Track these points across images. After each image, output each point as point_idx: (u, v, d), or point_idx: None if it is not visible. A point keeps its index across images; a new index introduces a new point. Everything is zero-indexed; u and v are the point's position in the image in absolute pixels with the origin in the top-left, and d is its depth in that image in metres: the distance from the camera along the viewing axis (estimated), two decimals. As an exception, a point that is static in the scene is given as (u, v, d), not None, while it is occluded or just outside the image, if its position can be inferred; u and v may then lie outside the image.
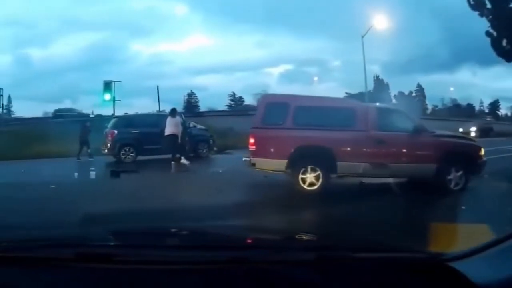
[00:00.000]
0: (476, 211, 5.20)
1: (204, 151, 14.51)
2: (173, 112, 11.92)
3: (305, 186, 7.15)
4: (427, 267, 1.10)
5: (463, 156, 7.37)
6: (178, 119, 11.72)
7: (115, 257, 1.13)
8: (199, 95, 54.65)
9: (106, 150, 13.27)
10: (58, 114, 32.13)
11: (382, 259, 1.19)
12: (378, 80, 52.11)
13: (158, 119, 13.86)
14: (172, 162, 11.16)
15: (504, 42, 15.59)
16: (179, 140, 11.44)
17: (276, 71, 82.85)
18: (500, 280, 0.92)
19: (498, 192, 7.10)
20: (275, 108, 7.58)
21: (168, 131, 11.30)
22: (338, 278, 1.07)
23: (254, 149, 7.45)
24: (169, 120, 11.51)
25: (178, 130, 11.42)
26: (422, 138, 7.39)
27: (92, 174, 11.15)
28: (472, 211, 5.23)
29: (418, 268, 1.11)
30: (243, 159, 7.88)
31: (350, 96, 30.86)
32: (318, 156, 7.26)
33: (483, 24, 15.74)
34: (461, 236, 3.92)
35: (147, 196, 7.01)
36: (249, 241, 1.49)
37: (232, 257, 1.12)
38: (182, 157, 11.49)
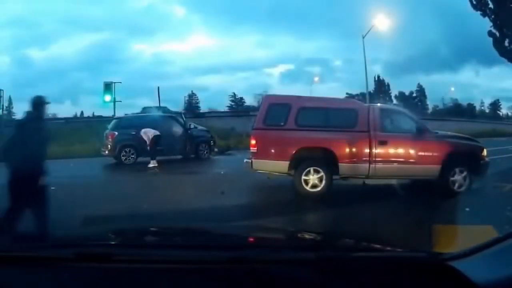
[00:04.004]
0: (480, 213, 5.17)
1: (205, 152, 14.52)
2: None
3: (308, 188, 7.11)
4: (427, 267, 1.10)
5: (466, 157, 7.35)
6: (147, 130, 12.44)
7: (115, 256, 1.13)
8: (200, 95, 54.68)
9: (106, 152, 13.29)
10: None
11: (382, 258, 1.18)
12: (379, 80, 52.12)
13: (159, 120, 13.89)
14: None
15: (506, 42, 15.56)
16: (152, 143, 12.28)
17: (277, 71, 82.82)
18: (500, 279, 0.91)
19: (502, 193, 7.08)
20: (277, 109, 7.54)
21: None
22: (338, 278, 1.07)
23: (255, 151, 7.41)
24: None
25: (150, 136, 12.30)
26: (425, 139, 7.37)
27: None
28: (476, 213, 5.20)
29: (417, 268, 1.10)
30: (245, 160, 7.87)
31: (350, 96, 30.89)
32: (320, 158, 7.23)
33: (485, 24, 15.75)
34: (466, 237, 3.92)
35: (152, 197, 7.04)
36: (249, 240, 1.49)
37: (232, 256, 1.12)
38: (152, 160, 12.03)
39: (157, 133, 12.33)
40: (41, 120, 4.19)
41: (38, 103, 4.14)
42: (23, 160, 3.85)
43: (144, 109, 17.57)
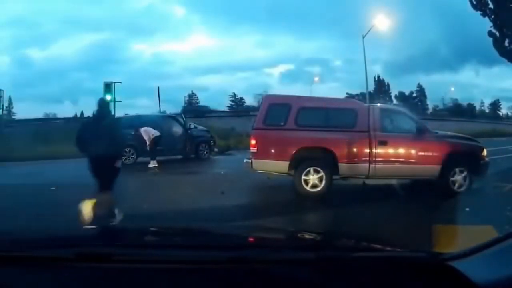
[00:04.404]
0: (480, 213, 5.17)
1: (205, 152, 14.52)
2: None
3: (308, 188, 7.11)
4: (427, 266, 1.10)
5: (466, 157, 7.35)
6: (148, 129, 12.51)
7: (115, 256, 1.13)
8: (200, 95, 54.76)
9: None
10: None
11: (382, 258, 1.18)
12: (379, 80, 52.20)
13: (159, 120, 13.88)
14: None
15: (506, 42, 15.54)
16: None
17: (277, 71, 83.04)
18: (500, 279, 0.91)
19: (502, 193, 7.08)
20: (277, 109, 7.54)
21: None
22: (338, 278, 1.07)
23: (255, 151, 7.41)
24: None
25: (150, 135, 12.41)
26: (425, 139, 7.37)
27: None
28: (476, 213, 5.20)
29: (418, 268, 1.10)
30: (245, 160, 7.86)
31: (350, 96, 30.90)
32: (320, 158, 7.23)
33: (485, 24, 15.73)
34: (466, 237, 3.92)
35: (152, 197, 7.03)
36: (249, 240, 1.48)
37: (232, 256, 1.12)
38: (152, 161, 12.17)
39: (158, 133, 12.36)
40: (108, 115, 5.26)
41: (104, 103, 5.32)
42: (96, 148, 4.85)
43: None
